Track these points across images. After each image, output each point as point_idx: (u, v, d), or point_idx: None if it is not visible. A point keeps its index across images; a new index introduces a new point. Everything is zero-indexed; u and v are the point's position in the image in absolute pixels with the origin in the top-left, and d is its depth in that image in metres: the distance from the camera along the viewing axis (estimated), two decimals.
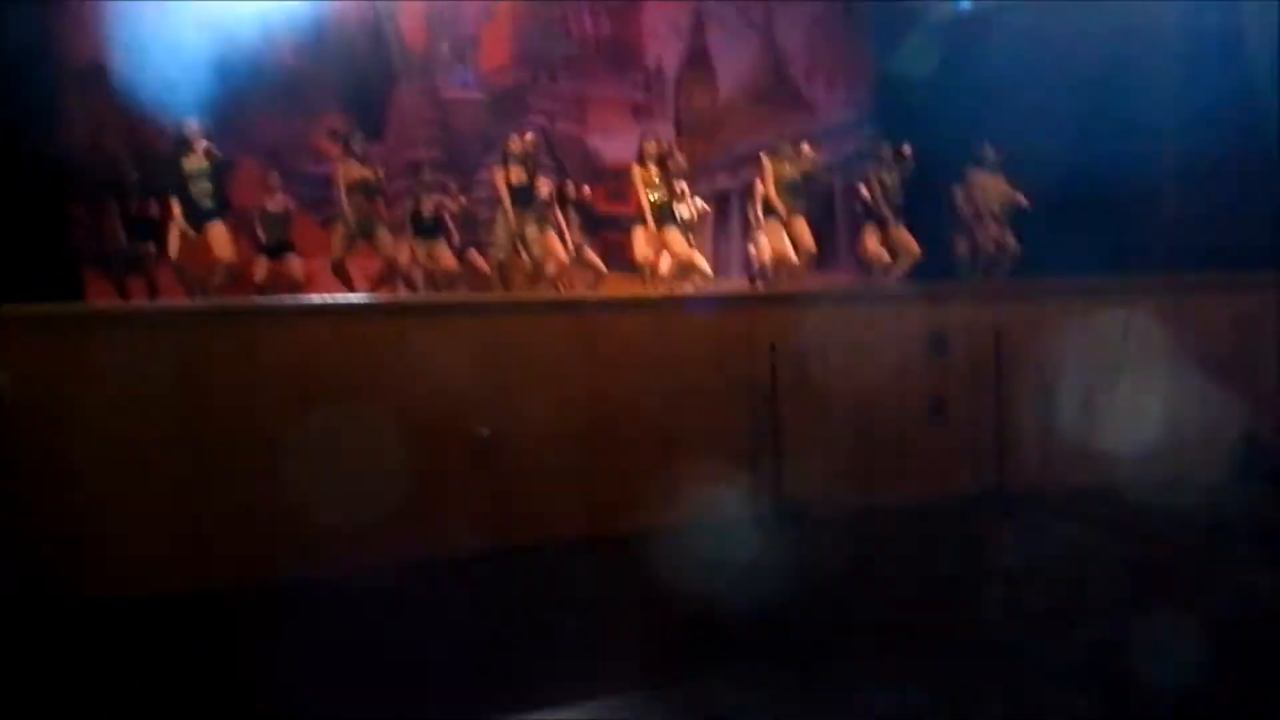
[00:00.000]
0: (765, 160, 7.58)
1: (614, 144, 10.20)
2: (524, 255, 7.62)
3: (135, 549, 4.98)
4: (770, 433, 5.84)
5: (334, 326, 5.50)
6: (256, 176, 8.10)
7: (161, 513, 5.05)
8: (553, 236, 7.93)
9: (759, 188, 7.79)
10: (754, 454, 5.88)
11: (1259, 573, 4.88)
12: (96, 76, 8.79)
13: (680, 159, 7.41)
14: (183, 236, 6.94)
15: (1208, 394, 6.42)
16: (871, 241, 7.91)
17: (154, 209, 7.36)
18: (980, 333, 6.36)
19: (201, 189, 6.87)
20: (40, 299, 5.63)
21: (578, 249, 8.12)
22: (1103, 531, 5.64)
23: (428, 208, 7.85)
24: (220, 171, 7.05)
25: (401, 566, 5.18)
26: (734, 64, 11.06)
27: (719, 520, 5.62)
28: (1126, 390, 6.52)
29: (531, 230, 7.51)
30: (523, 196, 7.45)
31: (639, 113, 10.50)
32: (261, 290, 7.59)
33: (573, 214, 8.29)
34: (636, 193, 7.42)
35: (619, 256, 8.79)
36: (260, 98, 9.27)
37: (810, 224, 7.78)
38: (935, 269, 8.24)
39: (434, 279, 7.81)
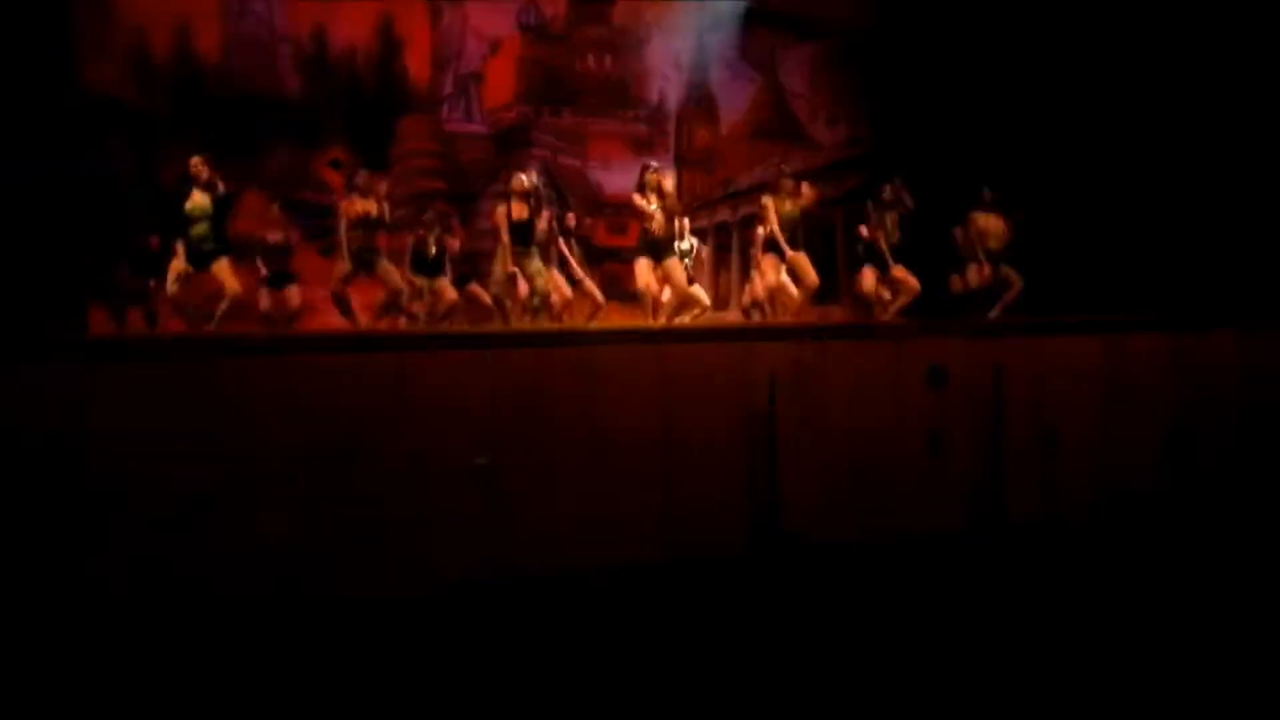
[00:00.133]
0: (766, 200, 7.64)
1: (615, 177, 10.28)
2: (524, 289, 7.65)
3: None
4: (768, 465, 5.83)
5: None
6: (259, 207, 8.18)
7: None
8: (555, 271, 7.99)
9: (761, 229, 7.85)
10: (751, 486, 5.87)
11: None
12: (108, 108, 8.92)
13: (668, 184, 7.40)
14: (181, 276, 6.97)
15: None
16: (869, 280, 7.94)
17: (156, 243, 7.41)
18: (979, 368, 6.38)
19: (200, 230, 6.91)
20: (45, 327, 5.67)
21: (578, 281, 8.17)
22: None
23: (431, 247, 7.89)
24: (224, 208, 7.08)
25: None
26: (736, 100, 11.17)
27: (715, 553, 5.61)
28: None
29: (535, 264, 7.55)
30: (525, 232, 7.49)
31: (640, 147, 10.60)
32: (265, 320, 7.64)
33: (574, 245, 8.34)
34: (636, 222, 7.44)
35: (618, 288, 8.85)
36: (265, 129, 9.40)
37: (811, 259, 7.82)
38: (935, 305, 8.27)
39: (434, 311, 7.85)
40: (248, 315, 7.71)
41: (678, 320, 7.86)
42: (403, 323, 7.89)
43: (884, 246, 7.93)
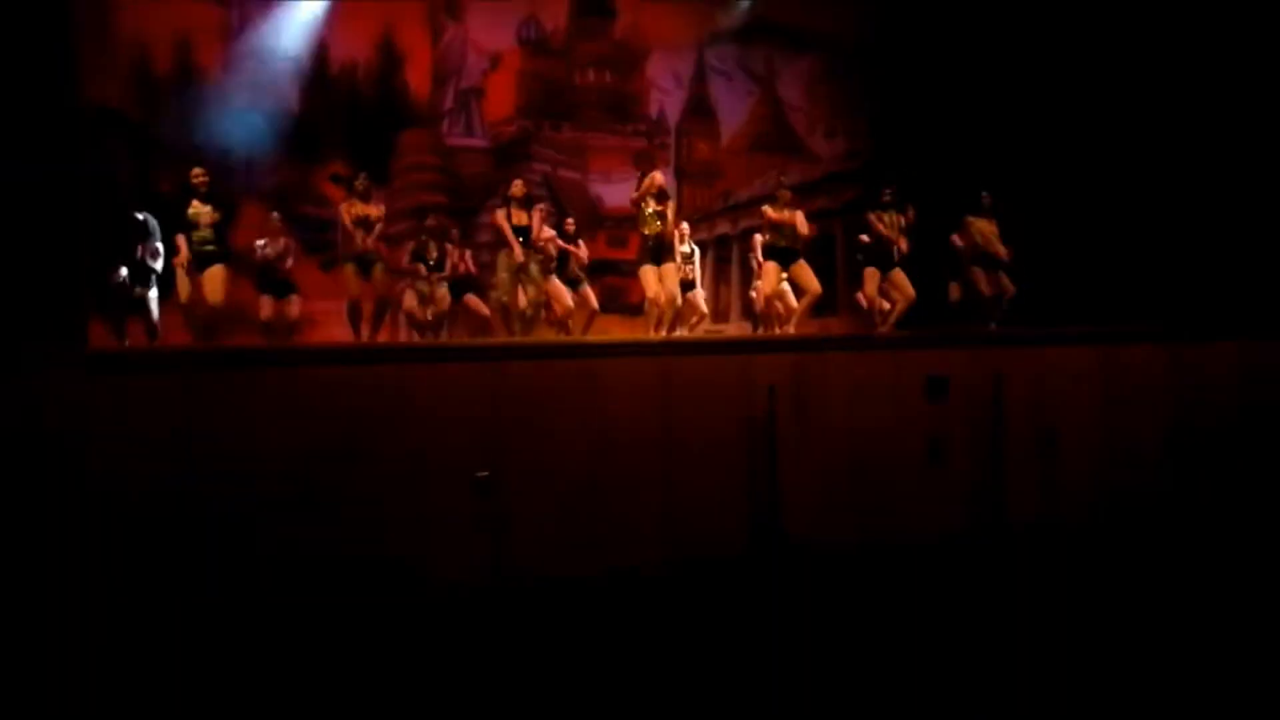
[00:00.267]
0: (766, 209, 7.66)
1: (616, 190, 10.32)
2: (522, 299, 7.66)
3: None
4: (768, 474, 5.84)
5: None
6: (260, 219, 8.20)
7: None
8: (555, 280, 8.01)
9: (759, 237, 7.88)
10: (752, 493, 5.87)
11: None
12: (109, 120, 8.96)
13: (659, 179, 7.40)
14: (188, 270, 6.99)
15: None
16: (871, 285, 7.94)
17: (158, 252, 7.42)
18: (979, 378, 6.39)
19: (202, 236, 6.93)
20: (46, 338, 5.67)
21: (579, 281, 8.22)
22: None
23: (432, 251, 7.91)
24: (225, 218, 7.10)
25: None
26: (735, 113, 11.23)
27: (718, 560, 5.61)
28: None
29: (533, 270, 7.56)
30: (523, 238, 7.51)
31: (641, 159, 10.64)
32: (266, 330, 7.65)
33: (579, 246, 8.40)
34: (636, 233, 7.43)
35: (618, 300, 8.87)
36: (267, 143, 9.44)
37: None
38: (933, 314, 8.29)
39: (426, 318, 7.87)
40: (250, 327, 7.73)
41: (677, 330, 7.87)
42: (403, 332, 7.92)
43: (891, 237, 7.86)
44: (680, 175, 10.91)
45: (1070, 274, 8.85)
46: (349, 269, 7.35)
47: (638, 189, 7.19)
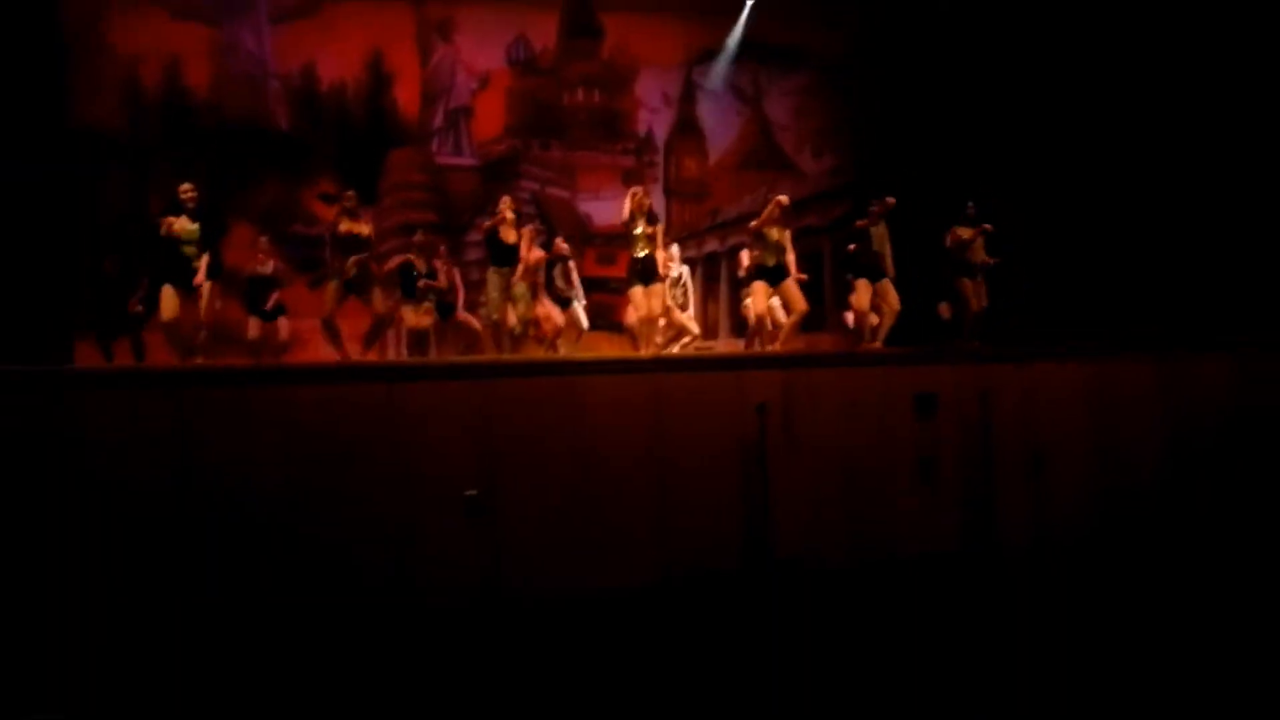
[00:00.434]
0: (753, 226, 7.69)
1: (605, 208, 10.36)
2: (511, 317, 7.66)
3: None
4: (759, 491, 5.84)
5: None
6: (249, 239, 8.20)
7: None
8: (545, 299, 8.03)
9: (745, 254, 7.91)
10: (743, 512, 5.87)
11: None
12: (99, 138, 8.96)
13: (643, 195, 7.42)
14: (172, 297, 6.94)
15: None
16: (863, 297, 7.94)
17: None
18: (968, 394, 6.42)
19: (189, 252, 6.87)
20: (31, 360, 5.65)
21: (570, 301, 8.24)
22: None
23: (421, 272, 7.92)
24: (213, 235, 7.05)
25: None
26: (723, 132, 11.30)
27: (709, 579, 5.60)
28: None
29: (520, 289, 7.57)
30: (513, 254, 7.52)
31: (629, 178, 10.69)
32: (254, 350, 7.62)
33: (571, 267, 8.43)
34: (626, 252, 7.44)
35: (607, 318, 8.88)
36: (256, 162, 9.45)
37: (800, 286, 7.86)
38: (922, 328, 8.32)
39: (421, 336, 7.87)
40: (236, 347, 7.71)
41: (667, 349, 7.88)
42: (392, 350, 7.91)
43: (871, 260, 7.88)
44: (669, 193, 10.96)
45: (1058, 288, 8.91)
46: (331, 286, 7.32)
47: (627, 211, 7.22)
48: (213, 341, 7.23)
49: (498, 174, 10.36)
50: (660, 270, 7.32)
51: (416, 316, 7.91)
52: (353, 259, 7.08)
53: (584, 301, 8.38)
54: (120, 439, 4.98)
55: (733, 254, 9.87)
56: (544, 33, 10.60)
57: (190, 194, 6.85)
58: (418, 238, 8.13)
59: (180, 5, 9.28)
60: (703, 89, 11.21)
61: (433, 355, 8.07)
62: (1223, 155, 8.51)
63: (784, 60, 11.33)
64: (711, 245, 11.02)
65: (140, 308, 7.43)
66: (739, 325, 9.53)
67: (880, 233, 7.90)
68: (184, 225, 6.79)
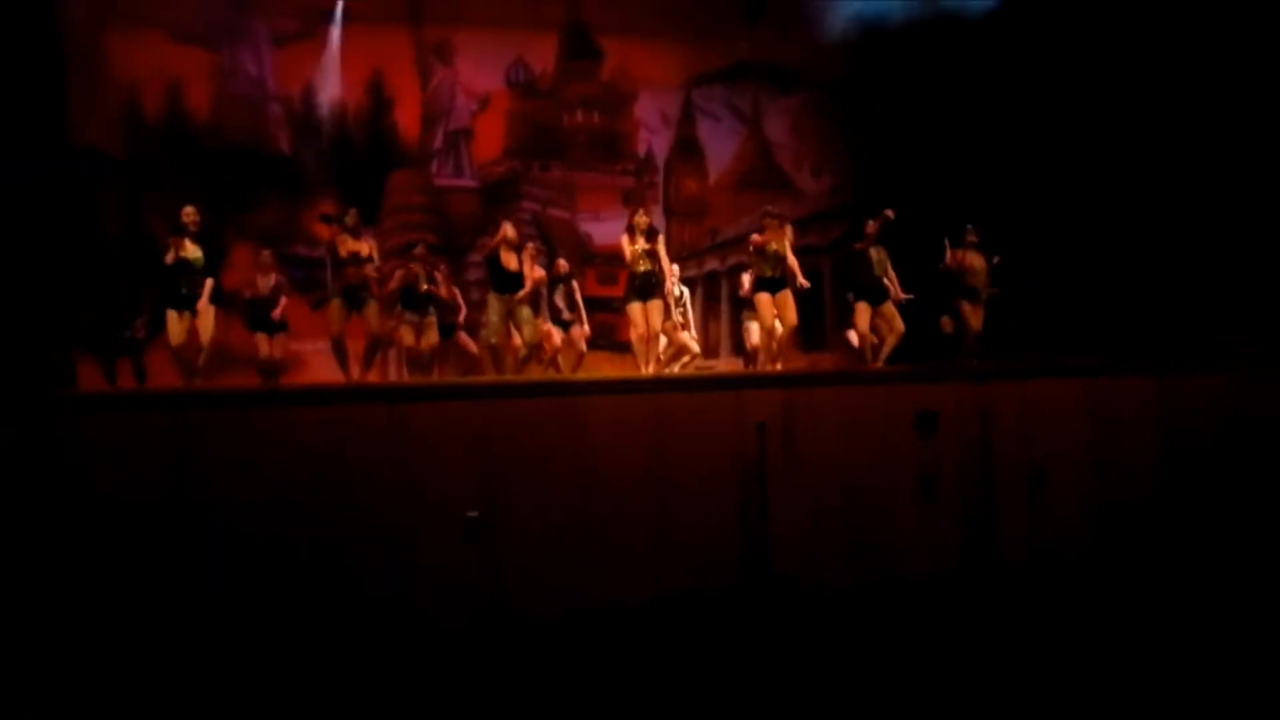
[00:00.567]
0: (755, 239, 7.71)
1: (605, 229, 10.40)
2: (516, 337, 7.69)
3: None
4: (760, 511, 5.83)
5: None
6: (250, 260, 8.22)
7: None
8: (546, 320, 8.05)
9: (746, 275, 7.92)
10: (743, 531, 5.86)
11: None
12: (99, 161, 9.01)
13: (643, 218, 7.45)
14: (177, 322, 6.97)
15: None
16: (863, 320, 7.95)
17: (144, 293, 7.42)
18: (968, 412, 6.42)
19: (190, 277, 6.90)
20: (33, 382, 5.66)
21: (571, 323, 8.27)
22: None
23: (421, 283, 7.92)
24: (213, 258, 7.08)
25: None
26: (723, 152, 11.35)
27: (709, 599, 5.59)
28: None
29: (524, 312, 7.58)
30: (514, 281, 7.54)
31: (629, 198, 10.74)
32: (256, 366, 7.63)
33: (574, 287, 8.48)
34: (625, 265, 7.46)
35: (608, 337, 8.89)
36: (256, 184, 9.50)
37: (798, 303, 7.88)
38: (922, 348, 8.32)
39: (419, 355, 7.87)
40: (237, 368, 7.72)
41: (668, 368, 7.89)
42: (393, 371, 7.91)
43: (873, 281, 7.90)
44: (669, 213, 11.00)
45: (1056, 305, 8.93)
46: (334, 304, 7.33)
47: (628, 231, 7.26)
48: (213, 364, 7.24)
49: (498, 195, 10.41)
50: (665, 280, 7.37)
51: (419, 335, 7.88)
52: (352, 269, 7.13)
53: (586, 328, 8.41)
54: (122, 461, 4.98)
55: (733, 273, 9.91)
56: (543, 55, 10.67)
57: (193, 218, 6.90)
58: (418, 250, 8.12)
59: (181, 29, 9.33)
60: (702, 110, 11.27)
61: (434, 376, 8.07)
62: (1221, 166, 8.55)
63: (783, 81, 11.39)
64: (712, 264, 11.05)
65: (143, 333, 7.45)
66: (740, 344, 9.54)
67: (880, 255, 7.91)
68: (189, 250, 6.83)
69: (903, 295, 7.93)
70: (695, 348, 8.32)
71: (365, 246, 7.36)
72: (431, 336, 7.90)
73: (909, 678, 4.64)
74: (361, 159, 9.94)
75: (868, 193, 10.73)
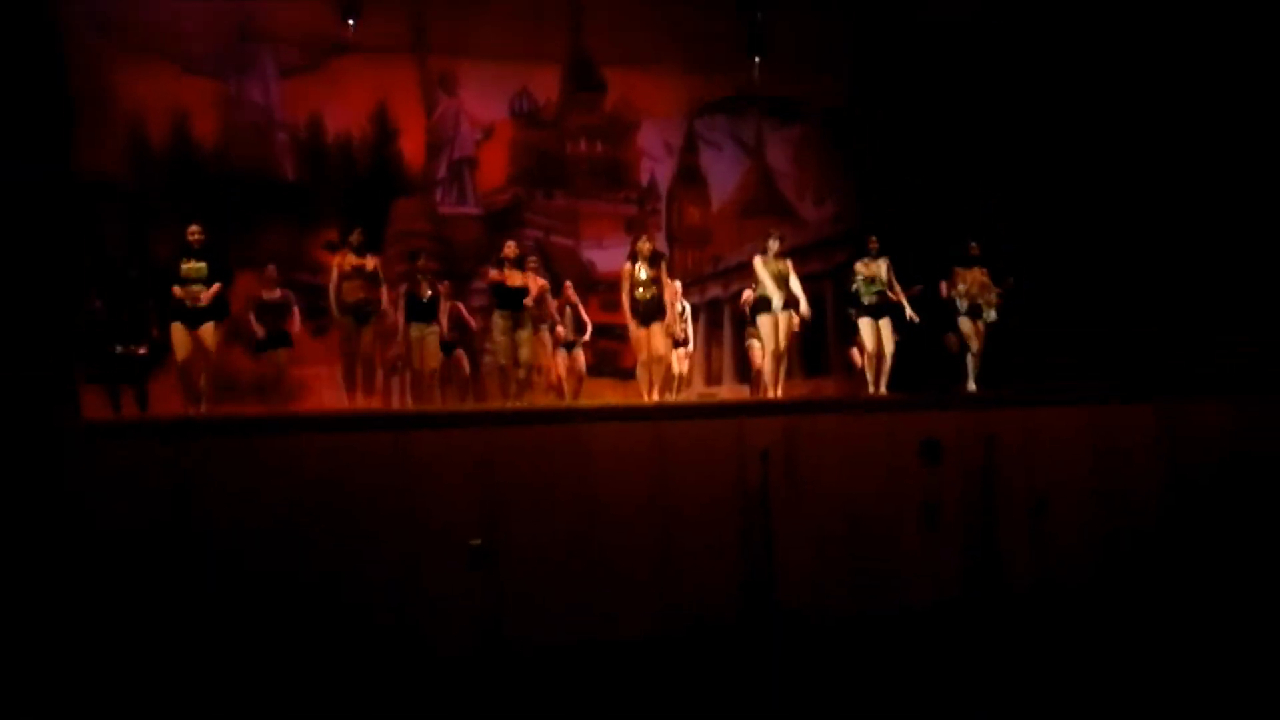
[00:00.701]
0: (758, 261, 7.76)
1: (608, 256, 10.44)
2: (518, 358, 7.67)
3: None
4: (763, 540, 5.81)
5: None
6: (253, 287, 8.24)
7: None
8: (548, 345, 8.07)
9: (749, 293, 7.95)
10: (746, 559, 5.84)
11: None
12: (104, 189, 9.07)
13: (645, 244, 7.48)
14: (184, 336, 6.97)
15: None
16: (869, 338, 7.93)
17: (149, 310, 7.43)
18: (971, 439, 6.41)
19: (193, 292, 6.93)
20: (36, 410, 5.67)
21: (570, 346, 8.30)
22: None
23: (425, 291, 7.92)
24: (218, 276, 7.09)
25: None
26: (725, 180, 11.41)
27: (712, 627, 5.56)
28: None
29: (524, 332, 7.59)
30: (517, 296, 7.54)
31: (632, 226, 10.79)
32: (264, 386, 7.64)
33: (581, 311, 8.51)
34: (623, 292, 7.50)
35: (611, 364, 8.90)
36: (261, 211, 9.56)
37: (801, 328, 7.91)
38: (924, 372, 8.32)
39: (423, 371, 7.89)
40: (240, 393, 7.74)
41: (667, 395, 7.89)
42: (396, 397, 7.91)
43: (872, 299, 7.89)
44: (671, 240, 11.04)
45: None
46: (345, 321, 7.36)
47: (629, 259, 7.32)
48: (217, 390, 7.25)
49: (502, 223, 10.45)
50: (669, 305, 7.42)
51: (422, 348, 7.85)
52: (354, 284, 7.17)
53: (586, 336, 8.48)
54: (123, 490, 4.98)
55: (736, 299, 9.93)
56: (547, 86, 10.76)
57: (197, 235, 6.94)
58: (420, 263, 8.11)
59: (187, 60, 9.43)
60: (705, 139, 11.35)
61: (437, 399, 8.07)
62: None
63: (785, 111, 11.48)
64: (714, 291, 11.08)
65: (145, 350, 7.47)
66: (743, 371, 9.55)
67: (879, 271, 7.94)
68: (192, 266, 6.88)
69: (910, 310, 7.93)
70: (678, 368, 8.34)
71: (370, 264, 7.40)
72: (433, 352, 7.88)
73: (913, 708, 4.60)
74: (366, 187, 10.00)
75: (870, 219, 10.79)
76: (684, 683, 5.10)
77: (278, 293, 7.84)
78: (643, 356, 7.30)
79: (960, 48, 9.98)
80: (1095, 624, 5.78)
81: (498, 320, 7.56)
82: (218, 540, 5.04)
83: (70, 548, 4.83)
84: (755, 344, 8.12)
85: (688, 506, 5.85)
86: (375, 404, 7.89)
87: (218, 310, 7.04)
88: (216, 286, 6.93)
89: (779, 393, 7.67)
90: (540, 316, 7.90)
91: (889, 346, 7.86)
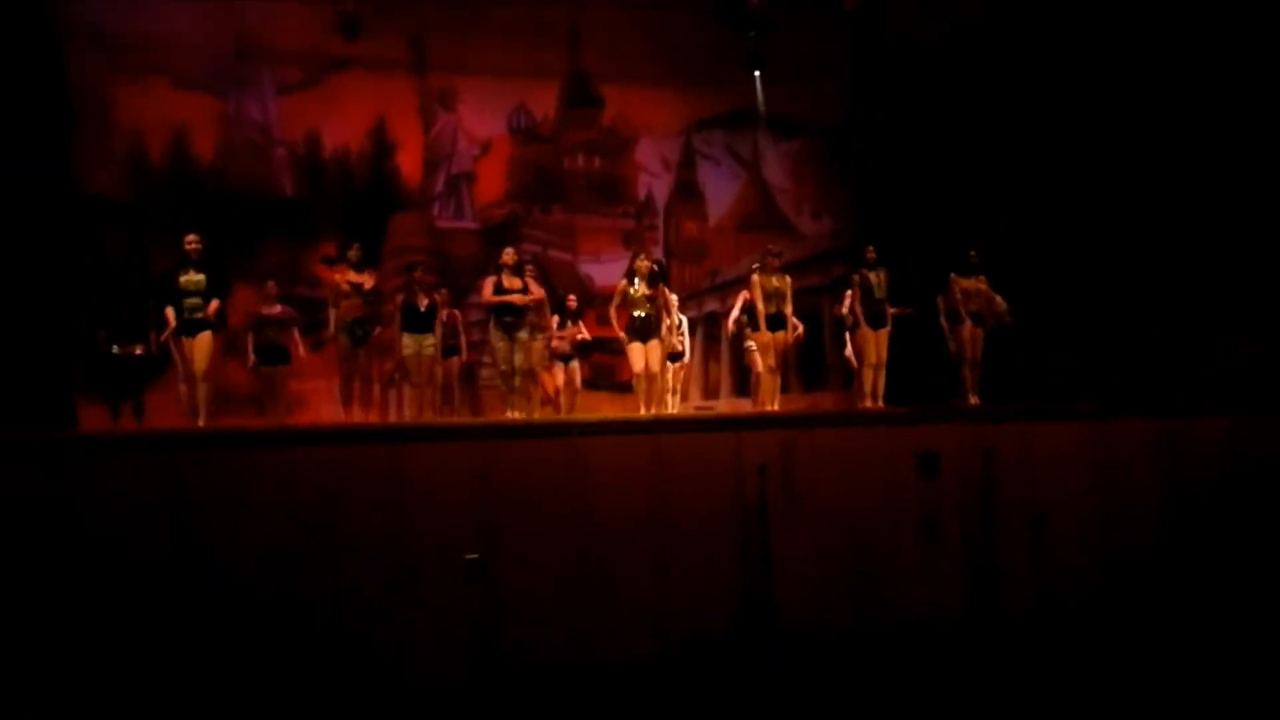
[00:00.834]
0: (754, 277, 7.77)
1: (605, 270, 10.46)
2: (515, 364, 7.64)
3: None
4: (761, 555, 5.79)
5: None
6: (252, 302, 8.24)
7: None
8: (545, 357, 8.07)
9: (742, 300, 7.96)
10: (744, 573, 5.81)
11: None
12: (104, 206, 9.09)
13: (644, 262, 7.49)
14: (178, 345, 6.96)
15: None
16: (869, 349, 7.93)
17: (149, 320, 7.43)
18: (970, 453, 6.39)
19: (193, 303, 6.90)
20: (34, 423, 5.66)
21: (567, 359, 8.29)
22: None
23: (421, 300, 7.91)
24: (216, 287, 7.06)
25: None
26: (723, 194, 11.44)
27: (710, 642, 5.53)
28: None
29: (523, 337, 7.57)
30: (516, 308, 7.51)
31: (630, 240, 10.81)
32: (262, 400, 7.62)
33: (581, 325, 8.54)
34: (612, 305, 7.51)
35: (608, 378, 8.89)
36: (259, 227, 9.58)
37: (798, 343, 7.91)
38: (922, 385, 8.31)
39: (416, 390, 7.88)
40: (238, 405, 7.73)
41: (663, 409, 7.88)
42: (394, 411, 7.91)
43: (870, 308, 7.90)
44: (669, 255, 11.05)
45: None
46: (341, 340, 7.36)
47: (626, 276, 7.35)
48: (214, 404, 7.23)
49: (499, 237, 10.46)
50: (669, 322, 7.44)
51: (419, 357, 7.83)
52: (352, 301, 7.17)
53: (585, 333, 8.53)
54: (119, 503, 4.96)
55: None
56: (545, 102, 10.81)
57: (195, 245, 6.92)
58: (417, 274, 8.10)
59: (186, 77, 9.48)
60: (702, 154, 11.39)
61: (431, 412, 8.05)
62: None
63: (782, 126, 11.52)
64: (711, 305, 11.08)
65: (142, 351, 7.46)
66: (740, 384, 9.54)
67: (879, 279, 7.95)
68: (191, 278, 6.86)
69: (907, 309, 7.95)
70: (673, 382, 8.34)
71: (368, 280, 7.40)
72: (430, 364, 7.86)
73: None
74: (364, 202, 10.02)
75: (868, 233, 10.80)
76: (682, 698, 5.07)
77: (278, 308, 7.85)
78: (638, 370, 7.30)
79: (960, 50, 10.02)
80: (1095, 639, 5.75)
81: (494, 329, 7.55)
82: (214, 552, 5.02)
83: (67, 559, 4.81)
84: (753, 345, 8.09)
85: (686, 520, 5.83)
86: (372, 417, 7.87)
87: (216, 322, 7.01)
88: (216, 303, 6.92)
89: (776, 406, 7.67)
90: (538, 324, 7.89)
91: (883, 355, 7.88)
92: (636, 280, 7.31)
